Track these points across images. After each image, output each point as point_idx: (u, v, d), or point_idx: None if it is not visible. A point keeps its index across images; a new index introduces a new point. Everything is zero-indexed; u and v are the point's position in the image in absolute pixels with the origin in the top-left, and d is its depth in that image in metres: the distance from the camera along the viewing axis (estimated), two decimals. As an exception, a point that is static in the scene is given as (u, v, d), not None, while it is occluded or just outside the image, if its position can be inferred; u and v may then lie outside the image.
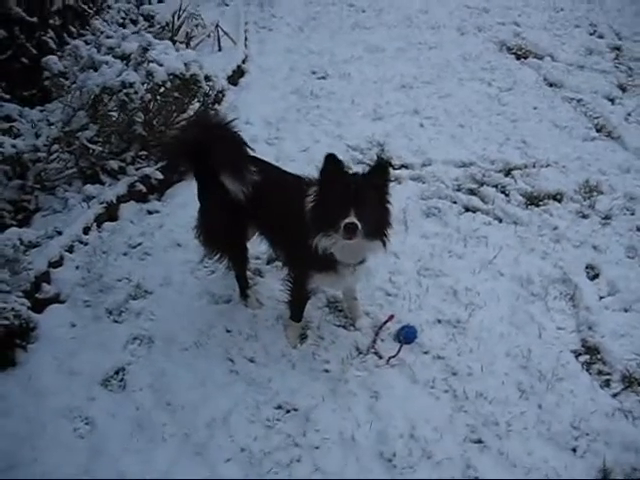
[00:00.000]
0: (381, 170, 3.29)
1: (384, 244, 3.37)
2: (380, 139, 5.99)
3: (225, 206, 3.68)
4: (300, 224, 3.32)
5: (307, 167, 5.44)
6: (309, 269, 3.52)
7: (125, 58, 5.01)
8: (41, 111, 5.57)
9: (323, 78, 7.33)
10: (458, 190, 5.30)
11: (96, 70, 4.82)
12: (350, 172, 3.39)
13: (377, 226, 3.28)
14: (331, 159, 3.21)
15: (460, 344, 3.82)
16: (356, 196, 3.11)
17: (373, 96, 6.87)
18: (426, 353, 3.78)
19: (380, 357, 3.74)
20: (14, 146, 4.59)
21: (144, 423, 3.39)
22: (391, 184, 3.42)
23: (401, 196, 5.13)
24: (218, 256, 3.98)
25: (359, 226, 3.05)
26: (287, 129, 6.17)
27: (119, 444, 3.28)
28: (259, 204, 3.63)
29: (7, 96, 5.36)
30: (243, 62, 7.56)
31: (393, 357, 3.70)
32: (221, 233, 3.87)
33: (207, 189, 3.83)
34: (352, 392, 3.54)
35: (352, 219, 3.04)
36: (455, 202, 5.12)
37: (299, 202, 3.36)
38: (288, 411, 3.46)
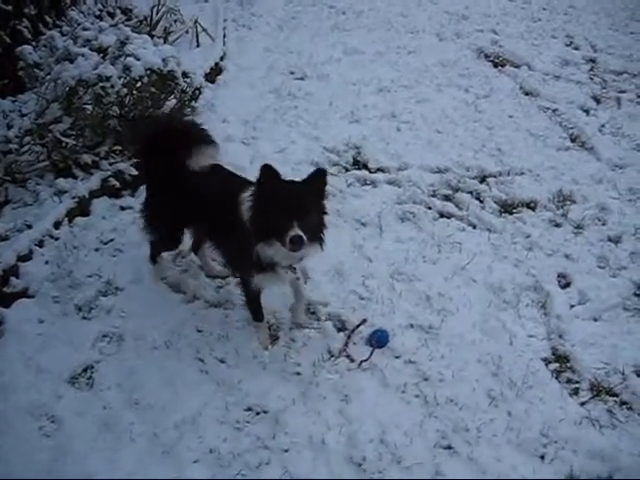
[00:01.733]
0: (319, 177, 3.34)
1: (321, 246, 3.46)
2: (357, 142, 5.98)
3: (167, 206, 3.83)
4: (238, 229, 3.38)
5: (282, 168, 5.43)
6: (250, 270, 3.55)
7: (102, 51, 4.94)
8: (13, 101, 5.49)
9: (301, 79, 7.31)
10: (433, 196, 5.31)
11: (72, 62, 4.75)
12: (288, 181, 3.38)
13: (316, 231, 3.36)
14: (268, 169, 3.22)
15: (432, 349, 3.82)
16: (298, 207, 3.18)
17: (351, 99, 6.86)
18: (398, 358, 3.77)
19: (352, 360, 3.72)
20: (-17, 137, 4.52)
21: (111, 422, 3.34)
22: (327, 190, 3.44)
23: (376, 200, 5.16)
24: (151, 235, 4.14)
25: (304, 238, 3.11)
26: (264, 129, 6.13)
27: (85, 443, 3.22)
28: (201, 208, 3.71)
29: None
30: (221, 59, 7.51)
31: (365, 361, 3.69)
32: (159, 223, 4.03)
33: (154, 183, 4.00)
34: (323, 395, 3.51)
35: (297, 231, 3.10)
36: (430, 207, 5.13)
37: (237, 207, 3.41)
38: (258, 413, 3.43)
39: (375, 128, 6.29)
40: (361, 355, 3.74)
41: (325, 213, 3.42)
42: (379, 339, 3.82)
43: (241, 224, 3.36)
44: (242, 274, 3.76)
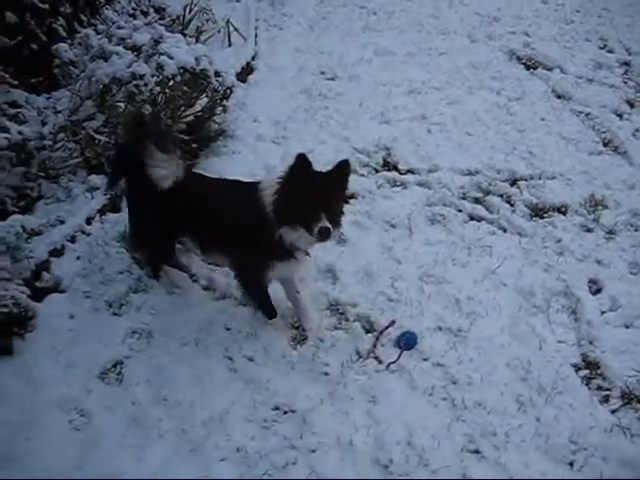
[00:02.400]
0: (344, 168, 3.47)
1: (339, 230, 3.59)
2: (387, 143, 5.96)
3: (155, 214, 3.84)
4: (252, 223, 3.51)
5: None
6: (267, 260, 3.63)
7: (136, 49, 4.97)
8: (47, 99, 5.53)
9: (332, 79, 7.30)
10: (463, 198, 5.29)
11: (106, 60, 4.79)
12: (318, 172, 3.47)
13: (338, 219, 3.50)
14: (302, 158, 3.35)
15: (460, 353, 3.81)
16: (326, 198, 3.34)
17: (381, 100, 6.84)
18: (426, 360, 3.77)
19: (380, 362, 3.72)
20: (21, 133, 4.57)
21: (140, 418, 3.36)
22: (349, 182, 3.55)
23: (406, 201, 5.15)
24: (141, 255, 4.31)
25: (331, 230, 3.30)
26: (294, 129, 6.14)
27: (114, 439, 3.25)
28: (196, 214, 3.76)
29: (15, 82, 5.32)
30: (252, 59, 7.53)
31: (393, 363, 3.69)
32: (148, 240, 4.13)
33: (138, 198, 4.02)
34: (350, 396, 3.52)
35: (326, 223, 3.27)
36: (460, 210, 5.11)
37: (252, 204, 3.50)
38: (285, 412, 3.44)
39: (405, 129, 6.27)
40: (389, 357, 3.74)
41: (346, 202, 3.64)
42: (407, 341, 3.82)
43: (258, 215, 3.46)
44: (253, 268, 3.78)
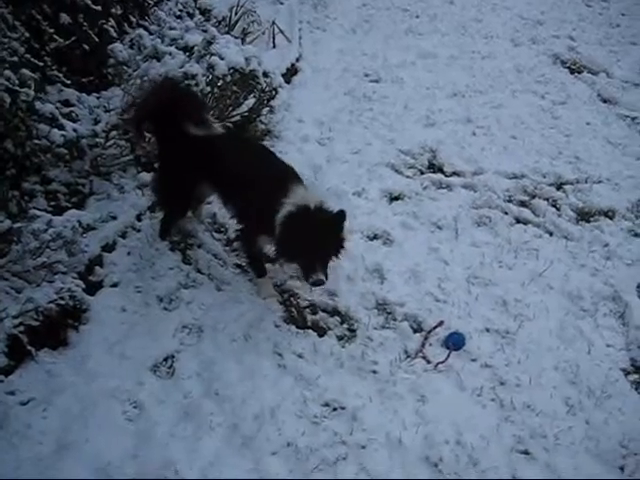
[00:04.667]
0: (340, 216, 3.66)
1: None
2: (432, 145, 5.98)
3: (181, 163, 4.11)
4: (246, 180, 3.82)
5: (358, 169, 5.55)
6: (258, 231, 3.93)
7: (188, 50, 5.08)
8: (97, 98, 5.66)
9: (376, 81, 7.33)
10: (509, 201, 5.28)
11: (159, 60, 4.91)
12: (317, 223, 3.62)
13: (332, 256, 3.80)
14: (305, 210, 3.62)
15: (508, 354, 3.82)
16: (322, 251, 3.69)
17: (426, 102, 6.86)
18: (474, 361, 3.79)
19: (428, 362, 3.75)
20: (75, 130, 4.70)
21: (192, 411, 3.43)
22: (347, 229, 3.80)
23: (452, 203, 5.16)
24: (164, 207, 4.55)
25: (324, 280, 3.64)
26: (339, 130, 6.19)
27: (167, 430, 3.32)
28: (214, 163, 4.02)
29: (68, 81, 5.46)
30: (297, 60, 7.59)
31: (441, 363, 3.71)
32: (172, 192, 4.34)
33: (166, 147, 4.25)
34: (399, 394, 3.55)
35: (319, 276, 3.62)
36: (506, 213, 5.10)
37: (248, 160, 3.94)
38: (335, 409, 3.48)
39: (450, 132, 6.29)
40: (437, 357, 3.77)
41: (342, 247, 3.80)
42: (456, 342, 3.85)
43: (261, 195, 3.77)
44: (246, 225, 4.09)
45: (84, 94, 5.56)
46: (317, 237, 3.58)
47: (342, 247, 3.78)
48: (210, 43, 4.92)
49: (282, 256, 3.81)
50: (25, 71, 4.25)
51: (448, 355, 3.75)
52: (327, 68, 7.57)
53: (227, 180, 4.09)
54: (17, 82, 4.08)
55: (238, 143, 4.28)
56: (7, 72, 4.00)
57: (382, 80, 7.36)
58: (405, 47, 8.26)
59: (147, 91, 4.50)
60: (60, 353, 3.73)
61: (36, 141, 4.53)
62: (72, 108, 5.29)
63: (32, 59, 4.89)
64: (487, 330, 4.00)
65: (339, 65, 7.67)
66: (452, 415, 3.44)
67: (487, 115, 6.67)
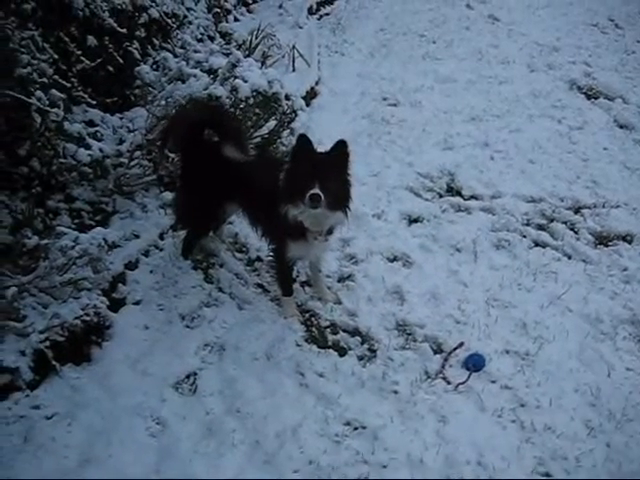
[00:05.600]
0: (341, 147, 3.72)
1: (345, 214, 3.86)
2: (450, 169, 6.05)
3: (206, 183, 4.17)
4: (274, 198, 3.80)
5: (377, 192, 5.61)
6: (283, 238, 3.99)
7: (212, 72, 5.19)
8: (120, 118, 5.79)
9: (394, 105, 7.44)
10: (527, 224, 5.32)
11: (184, 82, 5.01)
12: (315, 151, 3.76)
13: (339, 198, 3.75)
14: (303, 139, 3.69)
15: (528, 376, 3.83)
16: (319, 170, 3.60)
17: (443, 126, 6.95)
18: (494, 382, 3.79)
19: (448, 383, 3.77)
20: (101, 150, 4.80)
21: (214, 428, 3.46)
22: (350, 162, 3.81)
23: (471, 227, 5.20)
24: (186, 227, 4.61)
25: (322, 196, 3.53)
26: (358, 153, 6.21)
27: (189, 446, 3.34)
28: (243, 181, 4.07)
29: (93, 102, 5.58)
30: (316, 84, 7.73)
31: (462, 384, 3.73)
32: (196, 209, 4.37)
33: (192, 165, 4.32)
34: (420, 415, 3.56)
35: (316, 190, 3.52)
36: (525, 236, 5.14)
37: (275, 179, 3.83)
38: (356, 428, 3.49)
39: (468, 156, 6.35)
40: (457, 378, 3.78)
41: (348, 184, 3.83)
42: (476, 363, 3.86)
43: (276, 193, 3.79)
44: (277, 243, 4.16)
45: (108, 114, 5.70)
46: (313, 161, 3.64)
47: (348, 178, 3.82)
48: (234, 66, 5.02)
49: (286, 199, 3.76)
50: (55, 91, 4.37)
51: (468, 376, 3.77)
52: (346, 91, 7.68)
53: (256, 200, 4.17)
54: (47, 102, 4.16)
55: (268, 163, 4.33)
56: (38, 92, 4.10)
57: (400, 104, 7.46)
58: (423, 72, 8.38)
59: (190, 108, 4.59)
60: (84, 368, 3.78)
61: (62, 160, 4.64)
62: (97, 128, 5.41)
63: (60, 80, 5.02)
64: (507, 352, 4.01)
65: (358, 89, 7.79)
66: (473, 436, 3.45)
67: (505, 139, 6.74)
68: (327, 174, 3.64)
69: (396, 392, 3.71)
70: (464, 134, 6.78)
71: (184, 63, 5.18)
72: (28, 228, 4.47)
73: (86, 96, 5.57)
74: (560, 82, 8.34)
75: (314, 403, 3.62)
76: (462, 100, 7.60)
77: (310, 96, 7.39)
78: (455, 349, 3.98)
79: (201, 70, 5.13)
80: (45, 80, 4.36)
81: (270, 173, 3.93)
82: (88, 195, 5.07)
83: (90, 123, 5.47)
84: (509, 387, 3.76)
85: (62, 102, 4.32)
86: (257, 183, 4.03)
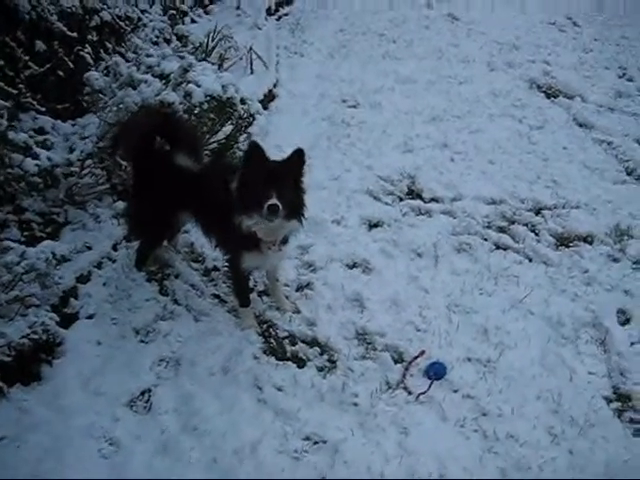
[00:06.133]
0: (298, 156, 3.61)
1: (300, 222, 3.75)
2: (410, 171, 5.98)
3: (158, 193, 4.03)
4: (227, 208, 3.66)
5: (337, 197, 5.53)
6: (238, 250, 3.87)
7: (164, 77, 5.04)
8: (73, 125, 5.60)
9: (354, 107, 7.37)
10: (488, 227, 5.27)
11: (135, 88, 4.85)
12: (270, 159, 3.62)
13: (294, 206, 3.64)
14: (254, 146, 3.56)
15: (490, 384, 3.77)
16: (276, 180, 3.49)
17: (404, 127, 6.89)
18: (456, 391, 3.72)
19: (410, 393, 3.69)
20: (50, 159, 4.63)
21: (170, 446, 3.33)
22: (305, 170, 3.70)
23: (432, 230, 5.14)
24: (139, 237, 4.47)
25: (280, 207, 3.42)
26: (318, 156, 6.16)
27: (143, 467, 3.23)
28: (195, 190, 3.91)
29: (42, 109, 5.40)
30: (274, 86, 7.62)
31: (423, 393, 3.66)
32: (148, 219, 4.23)
33: (143, 175, 4.17)
34: (381, 427, 3.48)
35: (274, 201, 3.41)
36: (486, 239, 5.09)
37: (227, 188, 3.69)
38: (316, 442, 3.39)
39: (428, 158, 6.30)
40: (418, 387, 3.71)
41: (303, 192, 3.72)
42: (437, 371, 3.80)
43: (230, 203, 3.65)
44: (231, 254, 4.04)
45: (59, 121, 5.50)
46: (269, 170, 3.52)
47: (302, 186, 3.71)
48: (186, 71, 4.88)
49: (240, 209, 3.60)
50: (-1, 100, 4.18)
51: (430, 385, 3.70)
52: (305, 94, 7.60)
53: (209, 210, 4.03)
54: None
55: (222, 171, 4.13)
56: (-22, 102, 3.92)
57: (360, 105, 7.40)
58: (383, 72, 8.32)
59: (141, 116, 4.40)
60: (33, 389, 3.64)
61: (9, 170, 4.45)
62: (47, 136, 5.22)
63: (5, 87, 4.84)
64: (468, 359, 3.95)
65: (317, 90, 7.70)
66: (435, 447, 3.38)
67: (465, 140, 6.71)
68: (283, 183, 3.54)
69: (356, 404, 3.62)
70: (424, 135, 6.73)
71: (135, 68, 5.01)
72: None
73: (35, 103, 5.41)
74: (520, 81, 8.37)
75: (272, 418, 3.52)
76: (422, 101, 7.56)
77: (268, 99, 7.28)
78: (416, 358, 3.91)
79: (153, 75, 4.96)
80: (-13, 88, 4.17)
81: (223, 181, 3.80)
82: (38, 206, 4.89)
83: (40, 131, 5.27)
84: (471, 396, 3.70)
85: (6, 110, 4.12)
86: (210, 192, 3.88)
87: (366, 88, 7.78)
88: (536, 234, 5.22)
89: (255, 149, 3.55)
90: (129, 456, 3.28)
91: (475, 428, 3.51)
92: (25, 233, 4.71)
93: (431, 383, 3.72)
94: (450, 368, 3.85)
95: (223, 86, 5.08)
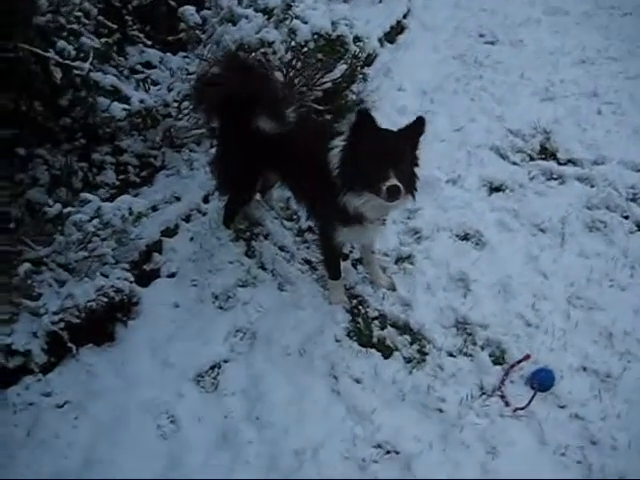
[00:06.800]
0: (418, 126, 3.14)
1: (414, 197, 3.31)
2: (546, 125, 5.20)
3: (244, 150, 3.67)
4: (326, 177, 3.26)
5: (457, 152, 4.90)
6: (335, 222, 3.46)
7: (267, 12, 4.55)
8: (184, 57, 5.29)
9: (491, 43, 6.57)
10: (633, 200, 4.46)
11: (234, 24, 4.42)
12: (385, 130, 3.16)
13: (410, 181, 3.22)
14: (364, 115, 3.08)
15: (606, 405, 3.15)
16: (394, 156, 3.06)
17: (546, 70, 6.03)
18: (562, 408, 3.15)
19: (507, 404, 3.16)
20: (142, 101, 4.37)
21: (230, 436, 3.07)
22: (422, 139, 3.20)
23: (562, 201, 4.45)
24: (225, 193, 4.10)
25: (402, 188, 2.99)
26: (442, 101, 5.52)
27: (201, 457, 2.99)
28: (283, 151, 3.58)
29: (149, 42, 5.13)
30: (404, 17, 6.93)
31: (522, 409, 3.12)
32: (235, 175, 3.90)
33: (229, 130, 3.81)
34: (466, 443, 3.00)
35: (394, 181, 2.97)
36: (627, 217, 4.31)
37: (322, 154, 3.31)
38: (388, 452, 2.99)
39: (571, 109, 5.46)
40: (518, 397, 3.18)
41: (417, 164, 3.27)
42: (542, 381, 3.23)
43: (328, 172, 3.25)
44: (326, 225, 3.64)
45: (169, 54, 5.21)
46: (386, 143, 3.08)
47: (417, 158, 3.26)
48: (290, 6, 4.36)
49: (347, 187, 3.20)
50: (85, 40, 3.89)
51: (532, 398, 3.14)
52: (438, 26, 6.87)
53: (300, 175, 3.65)
54: (73, 54, 3.71)
55: (314, 133, 3.71)
56: (61, 43, 3.64)
57: (499, 42, 6.61)
58: (530, 1, 7.30)
59: (218, 75, 3.90)
60: (104, 350, 3.51)
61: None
62: (153, 70, 4.97)
63: (106, 21, 4.57)
64: (584, 369, 3.33)
65: (452, 22, 6.94)
66: (526, 475, 2.87)
67: (619, 88, 5.76)
68: (402, 159, 3.11)
69: (441, 411, 3.15)
70: (569, 81, 5.85)
71: (236, 1, 4.54)
72: (64, 188, 4.19)
73: (142, 35, 5.13)
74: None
75: (344, 416, 3.15)
76: (573, 37, 6.60)
77: (396, 31, 6.63)
78: (519, 362, 3.35)
79: (255, 9, 4.48)
80: (76, 27, 3.88)
81: (319, 146, 3.37)
82: (137, 147, 4.71)
83: (147, 65, 5.04)
84: (580, 417, 3.10)
85: (92, 51, 3.84)
86: (302, 156, 3.47)
87: (508, 21, 6.91)
88: (694, 213, 4.35)
89: (365, 118, 3.07)
90: (187, 441, 3.05)
91: (579, 459, 2.94)
92: (120, 176, 4.57)
93: (533, 395, 3.16)
94: (559, 378, 3.26)
95: (333, 22, 4.54)
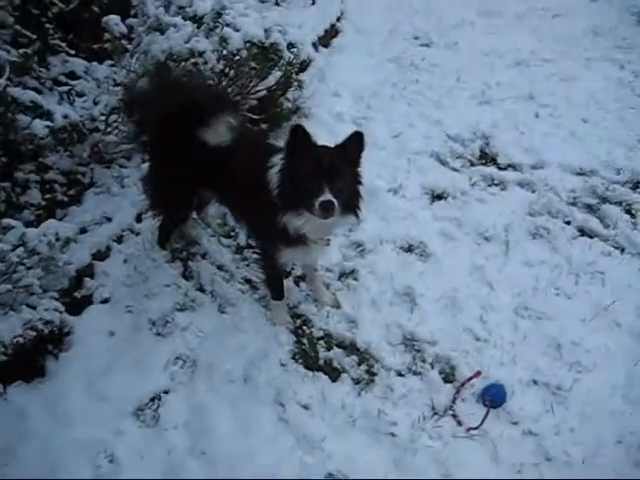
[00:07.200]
0: (356, 140, 3.01)
1: (357, 216, 3.20)
2: (486, 129, 5.17)
3: (178, 166, 3.43)
4: (265, 196, 3.11)
5: (397, 159, 4.81)
6: (277, 243, 3.31)
7: (197, 21, 4.34)
8: (111, 65, 5.02)
9: (426, 46, 6.53)
10: (573, 204, 4.46)
11: (163, 33, 4.20)
12: (320, 145, 3.02)
13: (351, 200, 3.11)
14: (298, 130, 2.94)
15: (559, 419, 3.09)
16: (330, 171, 2.91)
17: (482, 73, 6.02)
18: (515, 424, 3.08)
19: (459, 423, 3.07)
20: (66, 116, 4.09)
21: (174, 472, 2.89)
22: (363, 155, 3.06)
23: (505, 208, 4.40)
24: (160, 212, 3.90)
25: (335, 204, 2.87)
26: (379, 107, 5.43)
27: (143, 496, 2.79)
28: (221, 169, 3.35)
29: (72, 51, 4.85)
30: (338, 20, 6.81)
31: (475, 429, 3.04)
32: (169, 193, 3.67)
33: (162, 145, 3.54)
34: (419, 468, 2.89)
35: (328, 196, 2.86)
36: (569, 222, 4.30)
37: (262, 170, 3.17)
38: (340, 482, 2.87)
39: (508, 112, 5.45)
40: (470, 415, 3.09)
41: (360, 182, 3.14)
42: (494, 397, 3.16)
43: (267, 192, 3.11)
44: (267, 245, 3.48)
45: (95, 63, 4.94)
46: (320, 158, 2.91)
47: (359, 175, 3.12)
48: (220, 14, 4.16)
49: (285, 207, 3.07)
50: (1, 53, 3.62)
51: (484, 418, 3.06)
52: (372, 29, 6.79)
53: (238, 194, 3.46)
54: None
55: (255, 150, 3.50)
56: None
57: (434, 44, 6.57)
58: (464, 3, 7.36)
59: (159, 90, 3.62)
60: (34, 387, 3.24)
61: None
62: (77, 81, 4.70)
63: (24, 31, 4.29)
64: (534, 382, 3.28)
65: (386, 25, 6.87)
66: (483, 498, 2.79)
67: (554, 91, 5.79)
68: (338, 174, 2.95)
69: (393, 435, 3.04)
70: (505, 84, 5.85)
71: (162, 10, 4.30)
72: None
73: (63, 44, 4.84)
74: (627, 14, 7.17)
75: (293, 445, 3.00)
76: (507, 39, 6.62)
77: (330, 35, 6.52)
78: (470, 379, 3.26)
79: (183, 17, 4.27)
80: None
81: (256, 161, 3.23)
82: (64, 163, 4.43)
83: (71, 75, 4.76)
84: (533, 433, 3.04)
85: (7, 65, 3.57)
86: (240, 174, 3.28)
87: (443, 23, 6.89)
88: (632, 215, 4.37)
89: (300, 133, 2.93)
90: (129, 480, 2.84)
91: (535, 476, 2.87)
92: (46, 196, 4.27)
93: (486, 414, 3.09)
94: (510, 393, 3.19)
95: (266, 30, 4.38)
